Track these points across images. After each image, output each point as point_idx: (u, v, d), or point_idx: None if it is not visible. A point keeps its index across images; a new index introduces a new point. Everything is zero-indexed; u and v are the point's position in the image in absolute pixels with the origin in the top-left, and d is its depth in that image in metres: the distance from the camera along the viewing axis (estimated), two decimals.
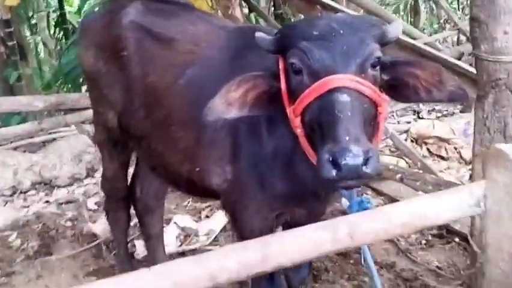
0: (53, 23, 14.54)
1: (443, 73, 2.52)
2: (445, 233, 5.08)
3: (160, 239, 4.51)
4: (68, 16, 13.28)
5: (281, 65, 2.58)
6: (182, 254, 5.08)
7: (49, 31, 15.17)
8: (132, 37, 3.52)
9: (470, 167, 5.36)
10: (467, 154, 6.42)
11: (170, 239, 5.18)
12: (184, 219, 5.35)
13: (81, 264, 5.15)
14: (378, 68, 2.44)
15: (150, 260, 4.50)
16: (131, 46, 3.51)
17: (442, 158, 6.93)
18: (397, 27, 2.55)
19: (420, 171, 6.04)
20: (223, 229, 5.46)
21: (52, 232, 5.68)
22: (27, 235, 5.65)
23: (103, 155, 4.07)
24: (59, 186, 7.30)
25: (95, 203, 6.34)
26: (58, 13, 13.27)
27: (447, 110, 9.24)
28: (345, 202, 3.93)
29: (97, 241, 5.43)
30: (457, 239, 4.98)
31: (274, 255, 1.86)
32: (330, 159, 2.14)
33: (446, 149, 6.90)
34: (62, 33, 13.13)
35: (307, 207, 3.18)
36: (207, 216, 5.72)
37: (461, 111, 8.79)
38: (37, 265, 5.13)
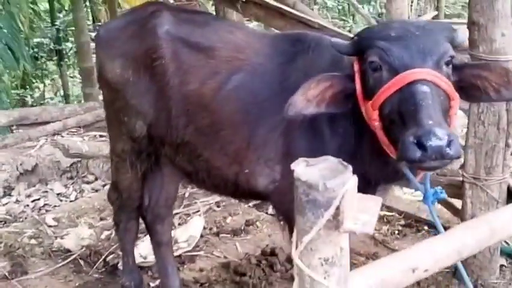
0: None
1: (510, 73, 2.77)
2: (413, 222, 5.52)
3: (170, 245, 4.53)
4: None
5: (356, 67, 2.82)
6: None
7: None
8: (168, 47, 3.54)
9: None
10: None
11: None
12: None
13: (64, 281, 5.00)
14: (451, 66, 2.70)
15: (161, 267, 4.50)
16: (168, 56, 3.53)
17: None
18: (464, 32, 2.85)
19: None
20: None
21: (19, 251, 5.45)
22: None
23: (121, 165, 3.97)
24: None
25: (53, 219, 6.12)
26: None
27: None
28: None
29: (73, 256, 5.31)
30: (426, 227, 5.43)
31: (498, 231, 2.08)
32: (415, 141, 2.35)
33: None
34: None
35: None
36: (179, 224, 5.76)
37: None
38: (16, 285, 4.92)
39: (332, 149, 3.12)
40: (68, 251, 5.42)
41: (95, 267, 5.16)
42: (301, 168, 1.52)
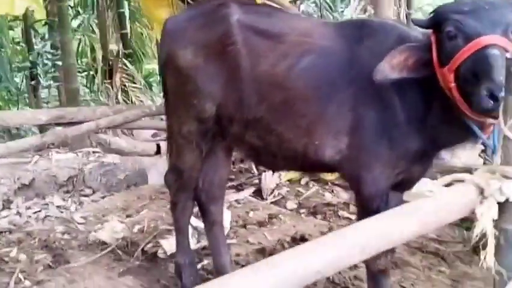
0: None
1: None
2: None
3: (222, 225, 4.86)
4: None
5: (433, 38, 3.32)
6: (203, 248, 5.47)
7: None
8: (240, 34, 3.92)
9: None
10: None
11: None
12: (194, 220, 5.63)
13: (108, 268, 5.20)
14: None
15: (214, 245, 4.80)
16: (240, 42, 3.91)
17: None
18: None
19: None
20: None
21: (56, 244, 5.66)
22: (29, 250, 5.58)
23: (186, 146, 4.29)
24: None
25: (81, 217, 6.36)
26: None
27: None
28: None
29: (111, 247, 5.56)
30: None
31: None
32: (488, 94, 2.87)
33: None
34: None
35: (425, 164, 3.89)
36: None
37: None
38: (63, 272, 5.12)
39: (402, 118, 3.60)
40: (104, 243, 5.65)
41: (134, 256, 5.40)
42: None
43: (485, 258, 2.09)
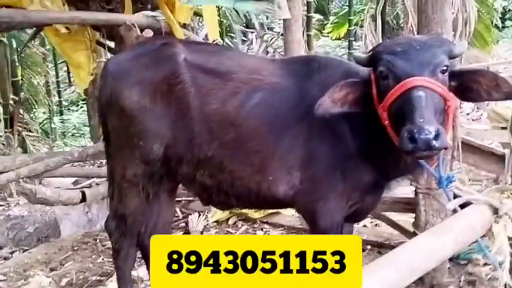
0: None
1: (499, 78, 3.39)
2: None
3: None
4: None
5: (372, 76, 3.42)
6: None
7: None
8: (187, 73, 3.86)
9: None
10: None
11: None
12: None
13: None
14: (446, 74, 3.30)
15: None
16: (188, 81, 3.86)
17: None
18: (462, 46, 3.54)
19: None
20: None
21: None
22: None
23: (130, 190, 4.12)
24: None
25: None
26: None
27: None
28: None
29: None
30: None
31: None
32: (409, 136, 2.96)
33: None
34: None
35: (377, 194, 3.95)
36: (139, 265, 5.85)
37: None
38: None
39: (353, 151, 3.66)
40: None
41: None
42: None
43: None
